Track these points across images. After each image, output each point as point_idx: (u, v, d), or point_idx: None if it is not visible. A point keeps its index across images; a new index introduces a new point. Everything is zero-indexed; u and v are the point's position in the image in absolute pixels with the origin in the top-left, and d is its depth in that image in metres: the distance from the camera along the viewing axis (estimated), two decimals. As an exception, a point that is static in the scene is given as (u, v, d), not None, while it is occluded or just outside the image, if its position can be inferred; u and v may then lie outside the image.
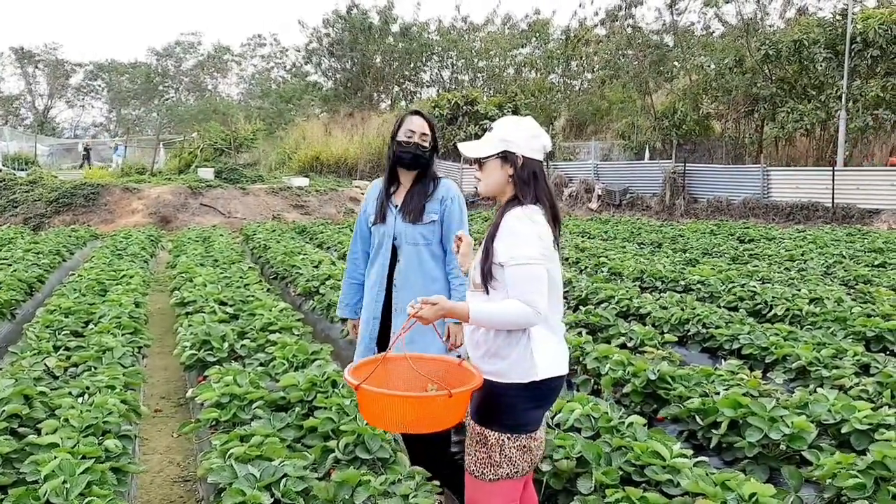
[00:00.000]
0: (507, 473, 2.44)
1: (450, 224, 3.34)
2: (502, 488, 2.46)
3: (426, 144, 3.32)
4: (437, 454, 3.22)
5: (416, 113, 3.38)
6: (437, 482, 2.87)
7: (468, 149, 2.55)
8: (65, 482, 2.65)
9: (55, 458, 2.78)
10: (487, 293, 2.45)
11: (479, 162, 2.53)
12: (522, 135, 2.49)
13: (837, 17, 23.78)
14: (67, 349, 4.77)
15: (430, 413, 2.28)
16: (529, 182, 2.48)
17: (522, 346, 2.41)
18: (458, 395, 2.26)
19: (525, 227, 2.41)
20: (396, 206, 3.38)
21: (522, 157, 2.48)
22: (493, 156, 2.49)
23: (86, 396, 3.69)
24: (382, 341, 3.37)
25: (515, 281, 2.36)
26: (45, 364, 4.36)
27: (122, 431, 3.36)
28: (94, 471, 2.77)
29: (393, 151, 3.36)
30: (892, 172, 20.28)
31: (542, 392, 2.45)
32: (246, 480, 2.74)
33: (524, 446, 2.45)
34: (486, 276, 2.44)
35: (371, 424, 2.51)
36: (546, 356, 2.43)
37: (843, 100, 22.10)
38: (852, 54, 22.24)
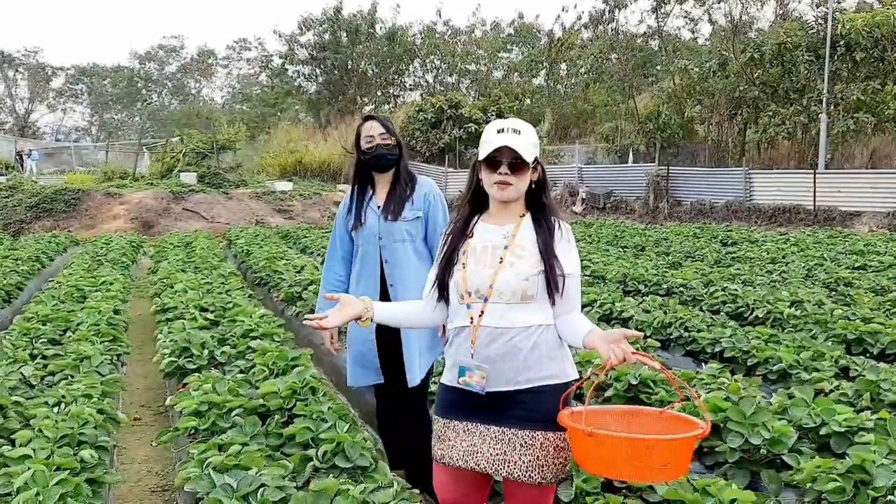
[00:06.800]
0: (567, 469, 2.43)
1: (435, 221, 3.40)
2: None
3: (389, 142, 3.38)
4: (418, 456, 3.19)
5: (369, 118, 3.46)
6: (416, 490, 2.84)
7: (525, 150, 2.34)
8: (38, 494, 2.60)
9: (28, 469, 2.72)
10: (554, 304, 2.34)
11: (515, 166, 2.35)
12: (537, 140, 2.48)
13: (820, 20, 24.01)
14: (44, 357, 4.70)
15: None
16: None
17: (565, 347, 2.42)
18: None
19: (573, 237, 2.43)
20: (379, 207, 3.43)
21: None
22: (534, 160, 2.41)
23: (62, 406, 3.63)
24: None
25: (577, 291, 2.38)
26: (21, 373, 4.29)
27: (98, 441, 3.31)
28: (69, 482, 2.72)
29: (358, 159, 3.46)
30: (872, 175, 20.48)
31: None
32: (223, 490, 2.71)
33: None
34: (560, 285, 2.31)
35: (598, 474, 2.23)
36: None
37: (825, 103, 22.30)
38: (836, 57, 22.45)
